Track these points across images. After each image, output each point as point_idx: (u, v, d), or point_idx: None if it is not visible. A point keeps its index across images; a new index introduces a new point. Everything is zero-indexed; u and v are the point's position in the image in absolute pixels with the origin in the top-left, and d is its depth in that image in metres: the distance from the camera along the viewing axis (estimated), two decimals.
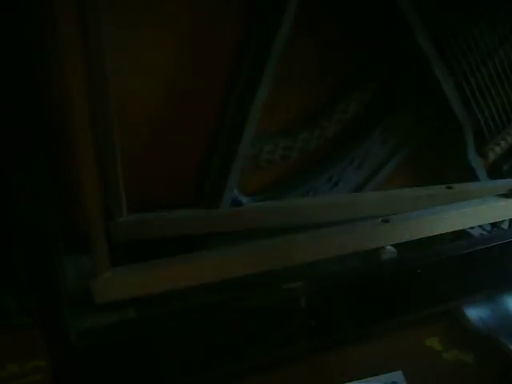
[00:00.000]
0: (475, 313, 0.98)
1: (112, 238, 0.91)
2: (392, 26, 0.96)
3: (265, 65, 0.88)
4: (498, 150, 1.09)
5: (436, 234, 0.92)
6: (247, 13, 0.87)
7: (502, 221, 1.10)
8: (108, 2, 0.78)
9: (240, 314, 0.79)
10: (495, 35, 1.04)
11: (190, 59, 0.89)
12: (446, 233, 0.95)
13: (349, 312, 0.84)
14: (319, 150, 1.02)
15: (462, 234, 1.00)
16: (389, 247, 0.88)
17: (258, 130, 0.94)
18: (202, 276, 0.79)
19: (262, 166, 0.99)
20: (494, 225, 1.10)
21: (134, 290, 0.79)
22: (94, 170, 0.73)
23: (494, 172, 1.12)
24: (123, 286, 0.79)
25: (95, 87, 0.78)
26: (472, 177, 1.07)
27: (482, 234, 1.07)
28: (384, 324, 0.90)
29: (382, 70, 1.00)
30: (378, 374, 0.86)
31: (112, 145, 0.88)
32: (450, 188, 1.00)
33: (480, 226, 1.07)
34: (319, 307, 0.82)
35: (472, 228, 1.04)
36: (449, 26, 0.98)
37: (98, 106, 0.83)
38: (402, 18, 0.94)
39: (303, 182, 1.03)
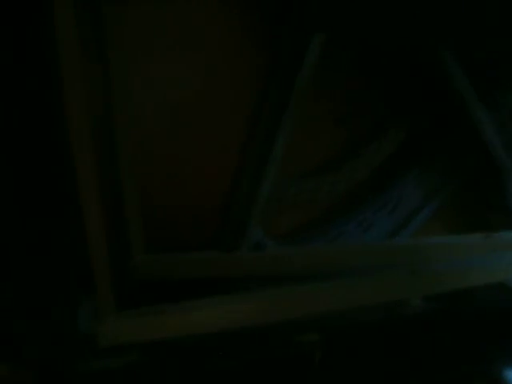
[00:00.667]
0: None
1: (130, 277, 0.89)
2: (429, 67, 0.92)
3: (288, 103, 0.85)
4: None
5: (469, 286, 0.84)
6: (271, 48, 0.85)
7: None
8: None
9: (247, 366, 0.74)
10: None
11: (212, 97, 0.87)
12: None
13: (368, 370, 0.78)
14: (349, 193, 0.97)
15: (501, 288, 0.92)
16: (416, 300, 0.81)
17: (285, 170, 0.91)
18: (210, 324, 0.75)
19: (287, 208, 0.95)
20: None
21: (140, 334, 0.75)
22: (97, 207, 0.70)
23: None
24: (128, 330, 0.75)
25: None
26: None
27: None
28: None
29: (418, 110, 0.96)
30: None
31: (131, 181, 0.86)
32: (488, 237, 0.92)
33: None
34: (335, 363, 0.76)
35: None
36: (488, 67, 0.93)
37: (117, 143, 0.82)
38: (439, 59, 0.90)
39: (332, 226, 0.98)
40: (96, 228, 0.73)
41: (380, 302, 0.79)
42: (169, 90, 0.85)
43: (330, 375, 0.75)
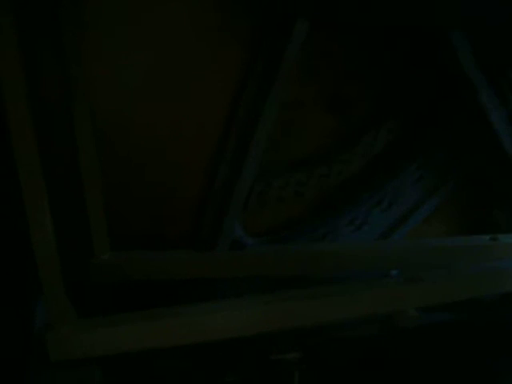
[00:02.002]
0: None
1: (92, 278, 0.80)
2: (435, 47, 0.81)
3: (271, 85, 0.75)
4: None
5: (474, 296, 0.74)
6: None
7: None
8: None
9: None
10: None
11: (189, 78, 0.77)
12: None
13: None
14: (340, 187, 0.87)
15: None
16: (412, 311, 0.71)
17: (269, 159, 0.82)
18: (174, 338, 0.65)
19: (271, 203, 0.85)
20: None
21: (95, 348, 0.65)
22: (41, 198, 0.60)
23: None
24: (83, 342, 0.65)
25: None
26: None
27: None
28: None
29: (418, 99, 0.85)
30: None
31: (95, 172, 0.76)
32: (494, 239, 0.82)
33: None
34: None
35: None
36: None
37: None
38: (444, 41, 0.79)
39: (320, 223, 0.88)
40: (41, 221, 0.63)
41: (372, 314, 0.69)
42: (142, 69, 0.75)
43: None
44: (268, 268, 0.81)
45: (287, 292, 0.70)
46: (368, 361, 0.69)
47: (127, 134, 0.78)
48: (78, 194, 0.76)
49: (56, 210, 0.65)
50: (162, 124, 0.79)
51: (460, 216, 0.94)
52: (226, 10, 0.75)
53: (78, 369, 0.68)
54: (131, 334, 0.65)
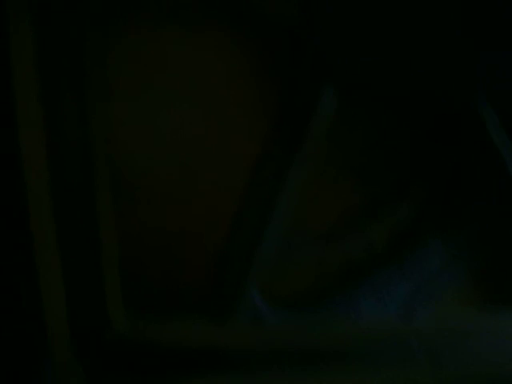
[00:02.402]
0: None
1: (106, 345, 0.78)
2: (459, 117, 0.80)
3: (296, 154, 0.74)
4: None
5: None
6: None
7: None
8: None
9: None
10: None
11: (210, 143, 0.76)
12: None
13: None
14: (364, 259, 0.85)
15: None
16: None
17: (289, 231, 0.79)
18: None
19: (292, 273, 0.83)
20: None
21: None
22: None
23: None
24: None
25: None
26: None
27: None
28: None
29: (447, 166, 0.84)
30: None
31: (112, 236, 0.75)
32: None
33: None
34: None
35: None
36: None
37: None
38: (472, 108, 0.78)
39: (342, 294, 0.85)
40: (53, 285, 0.62)
41: None
42: (161, 135, 0.74)
43: None
44: (288, 342, 0.78)
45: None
46: None
47: (145, 196, 0.77)
48: (93, 259, 0.75)
49: (69, 274, 0.64)
50: (183, 188, 0.78)
51: (486, 288, 0.91)
52: (251, 82, 0.74)
53: None
54: None
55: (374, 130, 0.82)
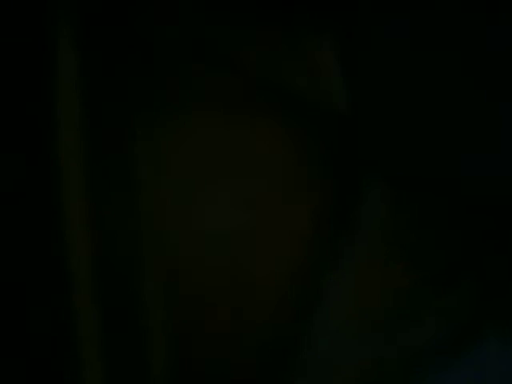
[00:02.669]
0: None
1: None
2: None
3: (343, 248, 0.73)
4: None
5: None
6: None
7: None
8: None
9: None
10: None
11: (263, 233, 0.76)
12: None
13: None
14: (415, 350, 0.81)
15: None
16: None
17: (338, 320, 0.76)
18: None
19: (346, 371, 0.80)
20: None
21: None
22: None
23: None
24: None
25: None
26: None
27: None
28: None
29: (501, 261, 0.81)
30: None
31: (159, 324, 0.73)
32: None
33: None
34: None
35: None
36: None
37: None
38: None
39: None
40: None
41: None
42: (210, 224, 0.74)
43: None
44: None
45: None
46: None
47: (195, 290, 0.76)
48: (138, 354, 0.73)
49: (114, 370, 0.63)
50: (233, 283, 0.77)
51: None
52: (298, 168, 0.74)
53: None
54: None
55: (428, 211, 0.80)
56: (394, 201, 0.74)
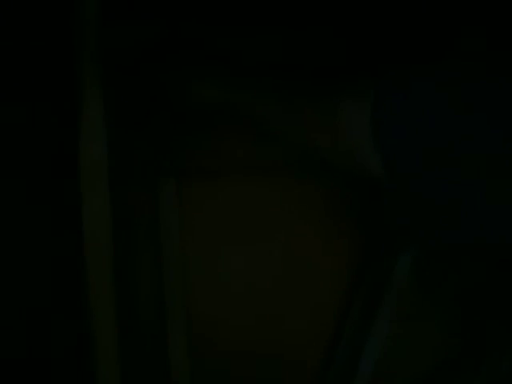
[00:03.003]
0: None
1: None
2: None
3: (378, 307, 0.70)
4: None
5: None
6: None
7: None
8: None
9: None
10: None
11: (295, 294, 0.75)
12: None
13: None
14: None
15: None
16: None
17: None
18: None
19: None
20: None
21: None
22: None
23: None
24: None
25: None
26: None
27: None
28: None
29: None
30: None
31: None
32: None
33: None
34: None
35: None
36: None
37: None
38: None
39: None
40: None
41: None
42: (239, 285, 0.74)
43: None
44: None
45: None
46: None
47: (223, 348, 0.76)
48: None
49: None
50: (264, 330, 0.76)
51: None
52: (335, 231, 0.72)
53: None
54: None
55: (462, 283, 0.76)
56: (424, 264, 0.71)
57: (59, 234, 0.66)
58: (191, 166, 0.74)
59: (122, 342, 0.60)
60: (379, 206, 0.68)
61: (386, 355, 0.75)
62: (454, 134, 0.47)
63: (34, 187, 0.66)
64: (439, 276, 0.74)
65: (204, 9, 0.71)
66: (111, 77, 0.63)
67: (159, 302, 0.71)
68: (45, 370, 0.66)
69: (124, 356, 0.60)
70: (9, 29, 0.63)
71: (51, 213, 0.67)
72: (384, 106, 0.51)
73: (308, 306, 0.75)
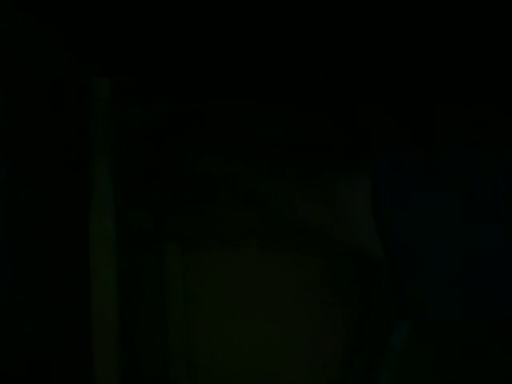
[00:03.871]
0: None
1: None
2: None
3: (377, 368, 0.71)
4: None
5: None
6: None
7: None
8: None
9: None
10: None
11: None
12: None
13: None
14: None
15: None
16: None
17: None
18: None
19: None
20: None
21: None
22: None
23: None
24: None
25: None
26: None
27: None
28: None
29: None
30: None
31: None
32: None
33: None
34: None
35: None
36: None
37: None
38: None
39: None
40: None
41: None
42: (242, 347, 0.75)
43: None
44: None
45: None
46: None
47: None
48: None
49: None
50: None
51: None
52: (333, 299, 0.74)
53: None
54: None
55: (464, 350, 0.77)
56: (420, 335, 0.72)
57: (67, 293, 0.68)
58: (196, 233, 0.76)
59: None
60: (380, 281, 0.71)
61: None
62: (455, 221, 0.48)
63: (45, 257, 0.68)
64: (438, 341, 0.75)
65: (210, 85, 0.74)
66: (120, 153, 0.66)
67: (164, 363, 0.73)
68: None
69: None
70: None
71: (61, 280, 0.68)
72: (384, 185, 0.52)
73: (308, 372, 0.76)
